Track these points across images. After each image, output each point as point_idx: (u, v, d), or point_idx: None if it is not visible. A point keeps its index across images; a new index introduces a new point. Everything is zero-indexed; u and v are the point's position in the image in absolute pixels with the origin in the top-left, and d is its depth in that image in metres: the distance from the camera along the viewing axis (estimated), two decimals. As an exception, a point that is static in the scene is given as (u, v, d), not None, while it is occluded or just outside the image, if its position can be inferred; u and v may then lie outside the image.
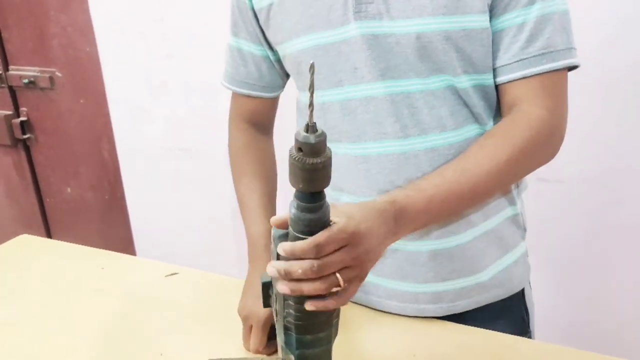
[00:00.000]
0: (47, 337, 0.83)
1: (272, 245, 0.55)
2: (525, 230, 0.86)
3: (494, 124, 0.76)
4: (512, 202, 0.81)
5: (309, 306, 0.52)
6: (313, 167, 0.47)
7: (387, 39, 0.70)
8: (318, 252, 0.50)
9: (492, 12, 0.71)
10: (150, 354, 0.78)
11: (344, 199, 0.79)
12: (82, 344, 0.81)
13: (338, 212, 0.53)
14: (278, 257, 0.52)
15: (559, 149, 0.74)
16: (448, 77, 0.72)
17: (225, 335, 0.81)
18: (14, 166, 2.29)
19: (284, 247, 0.51)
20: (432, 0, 0.68)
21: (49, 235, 2.35)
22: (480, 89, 0.74)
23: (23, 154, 2.23)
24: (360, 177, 0.77)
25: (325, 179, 0.48)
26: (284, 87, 0.92)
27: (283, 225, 0.53)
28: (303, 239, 0.50)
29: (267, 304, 0.58)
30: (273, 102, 0.93)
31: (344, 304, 0.54)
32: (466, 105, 0.74)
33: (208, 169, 1.78)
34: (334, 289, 0.52)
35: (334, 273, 0.52)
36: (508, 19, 0.70)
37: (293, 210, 0.50)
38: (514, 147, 0.69)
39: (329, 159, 0.48)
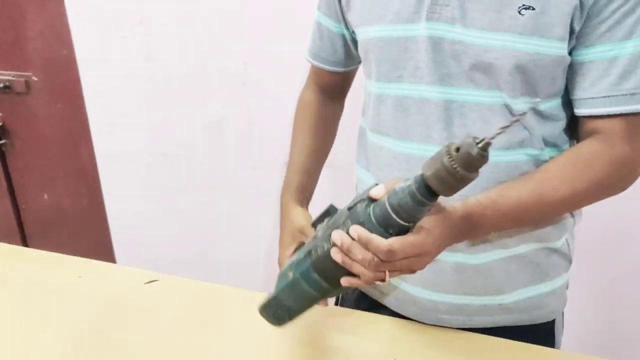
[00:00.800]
0: (23, 348, 0.80)
1: (348, 207, 0.56)
2: (570, 262, 0.84)
3: (550, 152, 0.74)
4: (561, 233, 0.80)
5: (345, 282, 0.55)
6: (462, 179, 0.48)
7: (455, 45, 0.69)
8: (387, 257, 0.53)
9: (581, 40, 0.67)
10: None
11: None
12: (59, 355, 0.79)
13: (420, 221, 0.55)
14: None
15: (629, 186, 0.73)
16: (505, 95, 0.70)
17: (206, 343, 0.79)
18: (-12, 172, 2.24)
19: (358, 233, 0.53)
20: (511, 17, 0.65)
21: (25, 243, 2.29)
22: (538, 113, 0.72)
23: (-2, 160, 2.18)
24: (400, 175, 0.77)
25: (456, 191, 0.50)
26: (359, 63, 0.92)
27: (379, 196, 0.55)
28: (393, 217, 0.52)
29: (315, 224, 0.61)
30: (346, 75, 0.95)
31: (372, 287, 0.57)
32: (522, 127, 0.72)
33: (189, 174, 1.76)
34: (377, 282, 0.56)
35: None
36: (600, 52, 0.67)
37: (403, 194, 0.51)
38: (593, 179, 0.68)
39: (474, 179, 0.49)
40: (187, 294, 0.93)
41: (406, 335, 0.80)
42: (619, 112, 0.67)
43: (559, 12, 0.64)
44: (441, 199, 0.53)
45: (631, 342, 1.45)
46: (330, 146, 0.98)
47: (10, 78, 1.97)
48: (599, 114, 0.69)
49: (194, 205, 1.80)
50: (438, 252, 0.61)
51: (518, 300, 0.80)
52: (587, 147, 0.70)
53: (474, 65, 0.69)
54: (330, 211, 0.60)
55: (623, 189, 0.73)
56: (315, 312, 0.82)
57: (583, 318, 1.37)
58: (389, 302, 0.85)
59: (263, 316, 0.66)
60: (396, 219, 0.52)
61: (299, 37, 1.44)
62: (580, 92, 0.70)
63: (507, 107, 0.70)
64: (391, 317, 0.84)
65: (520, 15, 0.65)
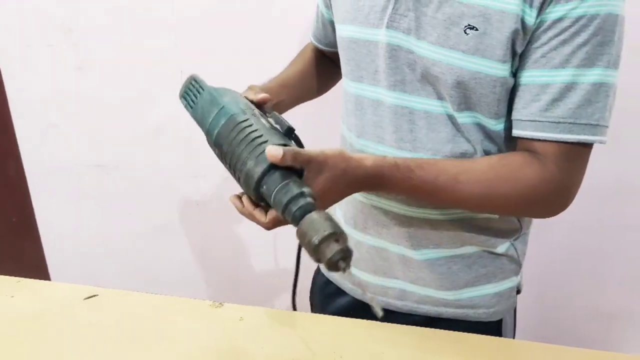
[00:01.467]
0: None
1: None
2: (519, 266, 0.87)
3: None
4: (504, 239, 0.82)
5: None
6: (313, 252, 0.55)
7: (409, 55, 0.72)
8: (271, 226, 0.65)
9: (521, 62, 0.69)
10: None
11: None
12: None
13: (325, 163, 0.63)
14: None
15: (558, 212, 0.73)
16: (449, 107, 0.73)
17: (151, 357, 0.79)
18: None
19: (246, 206, 0.66)
20: (458, 34, 0.68)
21: (-53, 265, 2.15)
22: (482, 129, 0.74)
23: None
24: None
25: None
26: None
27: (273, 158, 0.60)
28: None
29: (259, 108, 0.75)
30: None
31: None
32: (466, 140, 0.74)
33: (128, 185, 1.72)
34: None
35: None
36: (534, 76, 0.68)
37: (292, 204, 0.59)
38: (515, 187, 0.69)
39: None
40: (129, 307, 0.91)
41: (351, 332, 0.83)
42: (544, 138, 0.68)
43: (499, 35, 0.66)
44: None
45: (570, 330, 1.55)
46: (316, 88, 1.02)
47: None
48: (527, 137, 0.70)
49: (133, 217, 1.76)
50: (333, 202, 0.67)
51: (461, 298, 0.83)
52: (521, 157, 0.71)
53: (423, 75, 0.73)
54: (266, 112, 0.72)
55: (550, 211, 0.74)
56: (259, 315, 0.85)
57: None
58: (346, 287, 0.91)
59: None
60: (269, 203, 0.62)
61: (233, 46, 1.45)
62: (515, 113, 0.71)
63: (452, 119, 0.73)
64: (334, 317, 0.87)
65: (465, 35, 0.67)
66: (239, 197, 0.68)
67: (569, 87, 0.66)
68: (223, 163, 0.70)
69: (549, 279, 1.50)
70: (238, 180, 0.66)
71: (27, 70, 1.65)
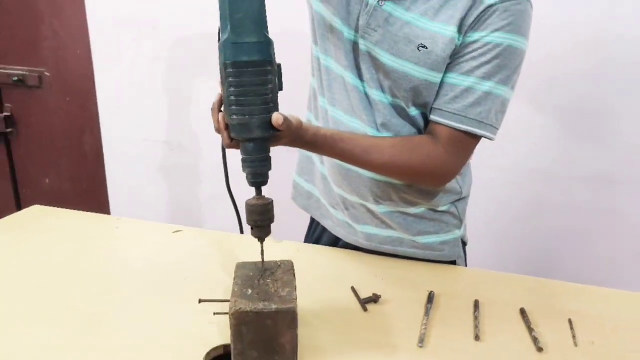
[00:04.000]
0: (67, 284, 1.01)
1: None
2: (460, 222, 1.10)
3: None
4: (445, 200, 1.05)
5: None
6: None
7: (374, 60, 0.95)
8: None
9: (446, 65, 0.90)
10: (181, 297, 1.03)
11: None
12: (100, 294, 0.98)
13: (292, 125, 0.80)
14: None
15: (442, 184, 1.00)
16: (402, 104, 0.95)
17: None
18: (-9, 158, 2.43)
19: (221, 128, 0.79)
20: (412, 50, 0.90)
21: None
22: (424, 116, 0.97)
23: (2, 147, 2.37)
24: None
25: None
26: None
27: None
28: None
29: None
30: None
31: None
32: (412, 124, 0.97)
33: (189, 159, 2.03)
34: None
35: None
36: (448, 77, 0.91)
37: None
38: (410, 161, 0.93)
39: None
40: (204, 239, 1.20)
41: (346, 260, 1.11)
42: (442, 123, 0.91)
43: (441, 54, 0.89)
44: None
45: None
46: None
47: (23, 72, 2.19)
48: (433, 120, 0.93)
49: (192, 190, 2.07)
50: (283, 145, 0.82)
51: (418, 242, 1.07)
52: (420, 138, 0.94)
53: (383, 77, 0.95)
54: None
55: (436, 182, 0.99)
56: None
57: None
58: (331, 227, 1.15)
59: None
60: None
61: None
62: (432, 102, 0.94)
63: (404, 110, 0.96)
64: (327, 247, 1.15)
65: (418, 51, 0.89)
66: (219, 112, 0.79)
67: (467, 90, 0.89)
68: (222, 82, 0.73)
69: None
70: (228, 107, 0.73)
71: (113, 57, 1.99)
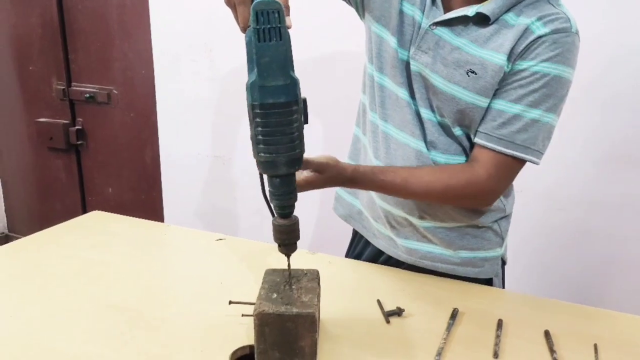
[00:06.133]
0: (114, 281, 1.12)
1: None
2: (502, 239, 1.11)
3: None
4: (488, 218, 1.06)
5: None
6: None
7: (425, 81, 0.99)
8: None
9: (495, 91, 0.93)
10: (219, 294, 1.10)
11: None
12: (142, 292, 1.09)
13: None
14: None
15: (484, 206, 1.02)
16: (449, 123, 0.99)
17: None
18: (64, 168, 2.64)
19: None
20: (461, 74, 0.93)
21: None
22: (469, 139, 1.00)
23: (74, 158, 2.59)
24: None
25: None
26: None
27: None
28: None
29: None
30: None
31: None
32: (459, 143, 1.00)
33: (238, 173, 2.13)
34: None
35: None
36: (496, 103, 0.93)
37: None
38: (449, 186, 0.96)
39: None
40: (247, 248, 1.27)
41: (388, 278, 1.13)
42: (488, 147, 0.94)
43: (491, 80, 0.92)
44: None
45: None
46: None
47: (95, 90, 2.40)
48: (478, 144, 0.96)
49: (237, 202, 2.16)
50: (324, 187, 0.91)
51: (458, 257, 1.07)
52: (458, 164, 0.99)
53: (432, 97, 0.99)
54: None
55: (480, 204, 1.01)
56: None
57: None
58: (372, 239, 1.17)
59: None
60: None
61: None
62: (478, 125, 0.96)
63: (450, 129, 0.99)
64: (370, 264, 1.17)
65: (467, 76, 0.92)
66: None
67: (515, 117, 0.92)
68: (250, 119, 0.74)
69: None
70: (256, 145, 0.74)
71: (173, 78, 2.14)
